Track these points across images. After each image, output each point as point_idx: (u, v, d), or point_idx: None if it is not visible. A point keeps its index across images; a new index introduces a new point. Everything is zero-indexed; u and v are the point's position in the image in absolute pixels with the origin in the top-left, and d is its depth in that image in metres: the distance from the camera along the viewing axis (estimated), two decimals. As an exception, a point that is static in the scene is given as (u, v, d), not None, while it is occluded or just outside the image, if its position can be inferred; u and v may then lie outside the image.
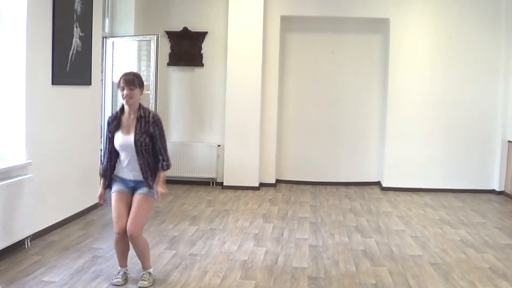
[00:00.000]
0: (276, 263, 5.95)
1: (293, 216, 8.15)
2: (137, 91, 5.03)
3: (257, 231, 7.25)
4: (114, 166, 5.20)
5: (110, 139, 5.14)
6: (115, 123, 5.14)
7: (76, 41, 7.30)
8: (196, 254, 6.20)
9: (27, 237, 6.16)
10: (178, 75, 10.46)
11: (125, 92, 4.99)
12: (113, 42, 9.56)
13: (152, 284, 5.21)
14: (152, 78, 9.25)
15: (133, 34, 9.68)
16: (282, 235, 7.10)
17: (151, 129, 5.05)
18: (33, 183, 6.22)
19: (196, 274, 5.53)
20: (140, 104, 5.13)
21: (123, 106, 5.14)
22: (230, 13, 9.97)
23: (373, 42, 10.56)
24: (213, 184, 10.36)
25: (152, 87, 9.25)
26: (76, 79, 7.35)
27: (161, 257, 6.04)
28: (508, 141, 9.84)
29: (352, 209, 8.66)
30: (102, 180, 5.25)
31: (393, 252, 6.41)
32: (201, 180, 10.37)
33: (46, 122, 6.66)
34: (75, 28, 7.25)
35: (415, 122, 10.15)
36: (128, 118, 5.11)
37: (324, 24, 10.55)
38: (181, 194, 9.50)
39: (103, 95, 9.46)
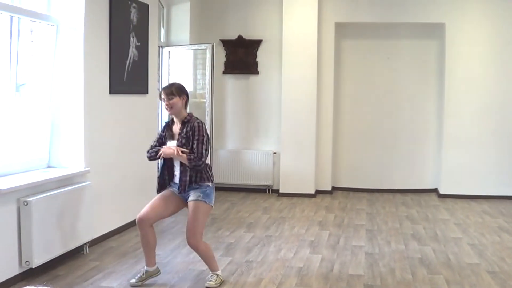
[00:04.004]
0: (332, 270, 5.90)
1: (349, 224, 8.07)
2: (176, 99, 5.22)
3: (313, 238, 7.21)
4: (168, 171, 5.43)
5: (161, 143, 5.39)
6: (166, 132, 5.41)
7: (132, 50, 7.41)
8: (252, 261, 6.20)
9: (85, 243, 6.28)
10: (233, 83, 10.52)
11: (165, 103, 5.24)
12: (169, 51, 9.67)
13: (220, 285, 5.38)
14: (208, 86, 9.31)
15: (188, 43, 9.78)
16: (338, 242, 7.04)
17: (193, 134, 5.20)
18: (92, 190, 6.34)
19: (251, 281, 5.54)
20: (188, 113, 5.34)
21: (173, 118, 5.39)
22: (285, 21, 9.98)
23: (428, 48, 10.39)
24: (269, 192, 10.36)
25: (207, 95, 9.32)
26: (133, 88, 7.46)
27: (217, 263, 6.05)
28: None
29: (408, 217, 8.53)
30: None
31: (450, 260, 6.28)
32: (257, 188, 10.39)
33: (104, 131, 6.78)
34: (131, 38, 7.37)
35: (473, 128, 9.93)
36: (176, 126, 5.35)
37: (378, 30, 10.46)
38: (237, 201, 9.53)
39: (160, 104, 9.55)
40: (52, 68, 6.32)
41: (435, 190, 10.42)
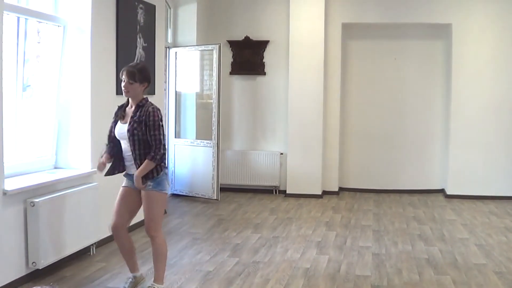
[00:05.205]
0: (339, 271, 5.89)
1: (356, 224, 8.06)
2: (136, 85, 4.89)
3: (319, 239, 7.20)
4: (116, 152, 5.10)
5: (113, 126, 5.09)
6: (120, 113, 5.08)
7: (139, 51, 7.42)
8: (259, 261, 6.20)
9: (92, 244, 6.28)
10: (240, 84, 10.51)
11: (123, 84, 4.92)
12: (176, 52, 9.68)
13: None
14: (215, 87, 9.30)
15: (195, 44, 9.78)
16: (345, 243, 7.03)
17: (146, 119, 4.85)
18: (98, 191, 6.34)
19: (258, 282, 5.53)
20: (144, 98, 5.01)
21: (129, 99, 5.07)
22: (291, 22, 9.97)
23: (435, 48, 10.36)
24: (276, 192, 10.34)
25: (214, 96, 9.31)
26: (139, 89, 7.45)
27: (224, 264, 6.07)
28: None
29: (415, 217, 8.51)
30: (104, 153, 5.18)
31: (457, 260, 6.26)
32: (264, 188, 10.37)
33: (111, 131, 6.78)
34: (138, 39, 7.38)
35: (480, 128, 9.89)
36: (130, 109, 5.03)
37: (385, 30, 10.42)
38: (244, 202, 9.52)
39: (167, 105, 9.57)
40: (59, 69, 6.33)
41: (442, 191, 10.38)
